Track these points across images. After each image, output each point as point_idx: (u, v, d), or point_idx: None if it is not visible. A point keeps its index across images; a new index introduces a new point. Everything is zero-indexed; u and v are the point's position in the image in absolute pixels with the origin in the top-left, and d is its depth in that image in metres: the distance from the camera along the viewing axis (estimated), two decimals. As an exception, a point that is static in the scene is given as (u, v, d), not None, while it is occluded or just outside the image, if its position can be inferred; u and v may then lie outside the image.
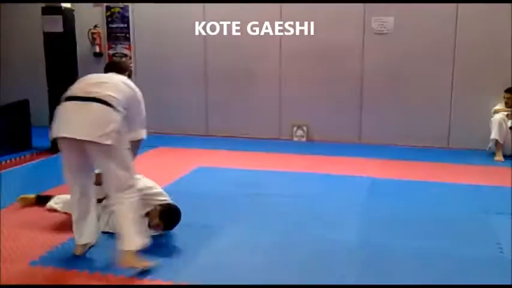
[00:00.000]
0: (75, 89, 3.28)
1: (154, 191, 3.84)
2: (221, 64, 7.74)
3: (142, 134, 3.70)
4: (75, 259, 3.38)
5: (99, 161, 3.23)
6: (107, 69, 3.68)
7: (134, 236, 3.19)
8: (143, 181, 3.78)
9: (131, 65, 8.04)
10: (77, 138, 3.09)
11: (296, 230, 3.98)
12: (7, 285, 2.90)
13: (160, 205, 3.70)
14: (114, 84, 3.33)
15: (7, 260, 3.33)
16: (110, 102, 3.17)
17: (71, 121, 3.15)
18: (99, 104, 3.14)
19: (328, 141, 7.38)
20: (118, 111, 3.20)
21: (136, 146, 3.60)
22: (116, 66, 3.79)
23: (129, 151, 3.33)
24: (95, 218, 3.50)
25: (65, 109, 3.19)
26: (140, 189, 3.47)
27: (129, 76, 3.76)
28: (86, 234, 3.44)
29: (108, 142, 3.09)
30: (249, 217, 4.29)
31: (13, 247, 3.55)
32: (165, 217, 3.64)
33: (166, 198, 3.84)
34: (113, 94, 3.23)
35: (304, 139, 7.56)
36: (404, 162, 6.31)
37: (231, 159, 6.42)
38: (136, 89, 3.52)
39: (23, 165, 5.98)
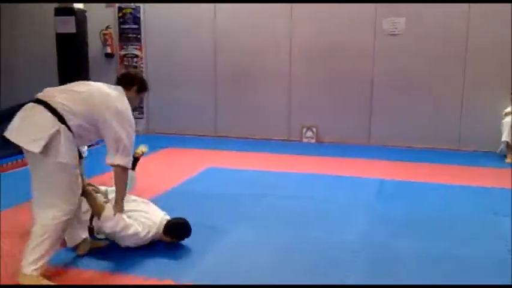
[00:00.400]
0: (45, 91, 3.13)
1: (146, 214, 3.63)
2: (231, 65, 7.77)
3: (118, 160, 3.19)
4: (79, 258, 3.41)
5: (30, 170, 3.04)
6: (117, 81, 3.48)
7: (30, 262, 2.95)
8: (136, 204, 3.69)
9: (142, 66, 8.11)
10: (11, 139, 2.97)
11: (304, 231, 3.98)
12: (7, 285, 2.93)
13: (167, 222, 3.63)
14: (84, 95, 3.09)
15: (9, 256, 3.36)
16: (57, 109, 2.95)
17: (15, 122, 3.03)
18: (43, 109, 2.95)
19: (337, 143, 7.37)
20: (65, 121, 2.95)
21: (118, 176, 3.27)
22: (123, 79, 3.49)
23: (72, 179, 3.01)
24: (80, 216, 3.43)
25: (22, 109, 3.07)
26: (132, 210, 3.47)
27: (139, 91, 3.49)
28: (76, 234, 3.41)
29: (34, 149, 2.88)
30: (258, 218, 4.30)
31: (18, 246, 3.58)
32: (171, 232, 3.59)
33: (158, 218, 3.64)
34: (66, 103, 2.99)
35: (313, 140, 7.56)
36: (414, 164, 6.28)
37: (241, 160, 6.44)
38: (116, 107, 3.17)
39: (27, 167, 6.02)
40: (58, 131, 2.93)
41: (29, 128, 2.96)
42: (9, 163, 5.98)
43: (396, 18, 7.00)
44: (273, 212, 4.46)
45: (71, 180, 3.03)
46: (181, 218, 3.70)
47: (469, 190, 5.12)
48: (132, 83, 3.45)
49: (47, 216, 2.98)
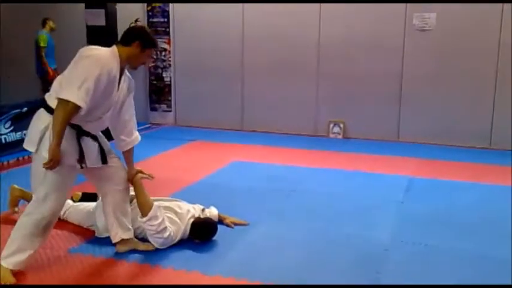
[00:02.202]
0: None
1: (175, 218, 3.60)
2: (258, 59, 7.74)
3: (61, 94, 2.86)
4: (113, 248, 3.44)
5: None
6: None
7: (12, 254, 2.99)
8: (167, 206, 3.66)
9: (170, 59, 8.16)
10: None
11: (330, 228, 3.95)
12: (7, 285, 2.98)
13: (192, 223, 3.60)
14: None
15: (47, 247, 3.43)
16: (48, 102, 2.97)
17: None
18: (42, 110, 3.03)
19: (365, 139, 7.29)
20: (48, 105, 2.94)
21: (57, 109, 2.87)
22: (122, 36, 3.21)
23: (57, 177, 2.95)
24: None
25: None
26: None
27: (144, 46, 3.12)
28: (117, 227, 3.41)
29: (30, 148, 2.99)
30: (283, 213, 4.28)
31: (53, 235, 3.66)
32: (196, 236, 3.58)
33: (185, 220, 3.61)
34: (56, 84, 3.00)
35: (340, 136, 7.49)
36: (444, 162, 6.17)
37: (266, 155, 6.42)
38: (79, 53, 2.99)
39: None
40: (46, 127, 2.94)
41: (30, 132, 3.05)
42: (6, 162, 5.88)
43: (427, 13, 6.87)
44: (300, 207, 4.44)
45: (56, 178, 2.97)
46: (206, 219, 3.70)
47: (501, 189, 5.00)
48: (133, 38, 3.11)
49: (26, 210, 3.05)
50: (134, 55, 3.13)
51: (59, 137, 2.86)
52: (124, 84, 3.19)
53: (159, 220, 3.37)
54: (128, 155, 3.45)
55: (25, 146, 3.06)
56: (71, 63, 2.99)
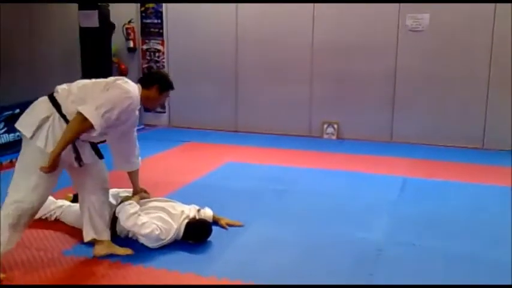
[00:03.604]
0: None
1: (166, 217, 3.60)
2: (252, 60, 7.75)
3: (82, 109, 2.96)
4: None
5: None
6: (138, 80, 3.48)
7: None
8: (157, 206, 3.68)
9: (163, 60, 8.15)
10: (15, 126, 3.11)
11: (324, 228, 3.96)
12: (7, 285, 2.97)
13: (186, 225, 3.59)
14: (89, 82, 3.21)
15: (41, 248, 3.41)
16: (56, 97, 3.06)
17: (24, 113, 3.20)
18: (45, 99, 3.09)
19: (359, 140, 7.31)
20: (61, 109, 3.01)
21: (73, 121, 2.97)
22: (143, 78, 3.50)
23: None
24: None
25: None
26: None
27: (162, 89, 3.39)
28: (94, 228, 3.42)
29: (26, 133, 2.98)
30: (277, 214, 4.29)
31: (47, 236, 3.65)
32: (190, 234, 3.56)
33: (179, 221, 3.61)
34: (67, 87, 3.13)
35: (334, 137, 7.50)
36: (437, 162, 6.19)
37: (260, 156, 6.43)
38: (107, 83, 3.16)
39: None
40: (48, 117, 2.99)
41: (27, 115, 3.07)
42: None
43: (420, 14, 6.90)
44: (294, 208, 4.44)
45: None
46: (200, 220, 3.70)
47: (494, 190, 5.03)
48: (153, 82, 3.38)
49: (11, 198, 2.99)
50: (152, 97, 3.38)
51: (65, 145, 2.95)
52: (135, 116, 3.37)
53: (133, 218, 3.41)
54: (133, 175, 3.68)
55: (18, 126, 3.05)
56: (101, 81, 3.16)
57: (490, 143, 6.85)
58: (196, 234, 3.58)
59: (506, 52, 6.61)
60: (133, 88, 3.22)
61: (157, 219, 3.50)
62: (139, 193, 3.72)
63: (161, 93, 3.40)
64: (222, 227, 3.86)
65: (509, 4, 6.48)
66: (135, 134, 3.58)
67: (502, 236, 3.84)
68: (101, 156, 3.31)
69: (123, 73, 7.78)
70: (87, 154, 3.20)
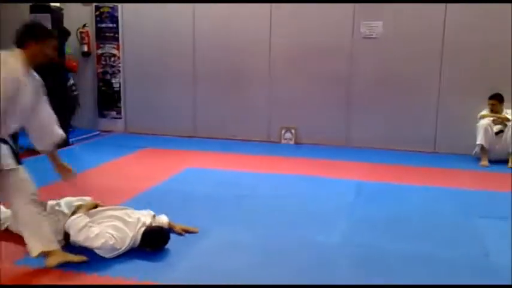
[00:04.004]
0: None
1: (121, 226, 3.54)
2: (210, 65, 7.74)
3: None
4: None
5: None
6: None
7: None
8: (111, 215, 3.61)
9: (119, 65, 8.02)
10: None
11: (282, 232, 3.99)
12: (7, 286, 2.87)
13: (143, 232, 3.53)
14: None
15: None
16: None
17: None
18: None
19: (316, 144, 7.41)
20: None
21: None
22: (15, 39, 3.16)
23: None
24: None
25: None
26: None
27: (38, 39, 3.09)
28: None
29: None
30: (236, 219, 4.29)
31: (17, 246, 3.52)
32: (147, 242, 3.50)
33: (135, 228, 3.54)
34: None
35: (292, 142, 7.58)
36: (391, 166, 6.35)
37: (219, 161, 6.41)
38: None
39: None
40: None
41: None
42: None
43: (374, 21, 7.08)
44: (253, 213, 4.45)
45: None
46: (157, 227, 3.64)
47: (445, 192, 5.20)
48: (25, 38, 3.13)
49: None
50: (36, 53, 3.13)
51: None
52: (30, 87, 3.13)
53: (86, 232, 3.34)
54: (52, 155, 3.52)
55: None
56: None
57: (441, 147, 7.09)
58: (153, 242, 3.52)
59: (456, 57, 6.87)
60: (3, 55, 2.98)
61: (111, 228, 3.43)
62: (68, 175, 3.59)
63: (40, 43, 3.13)
64: (178, 233, 3.82)
65: (459, 11, 6.74)
66: (49, 114, 3.38)
67: (454, 236, 3.97)
68: (19, 162, 3.14)
69: (73, 70, 7.62)
70: (6, 158, 3.05)
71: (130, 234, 3.47)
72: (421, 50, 7.00)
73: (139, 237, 3.50)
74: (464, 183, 5.53)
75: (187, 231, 3.87)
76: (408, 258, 3.52)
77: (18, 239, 3.63)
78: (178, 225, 3.89)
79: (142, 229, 3.54)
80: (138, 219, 3.61)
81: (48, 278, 3.12)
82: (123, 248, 3.41)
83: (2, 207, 3.69)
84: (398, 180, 5.59)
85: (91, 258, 3.33)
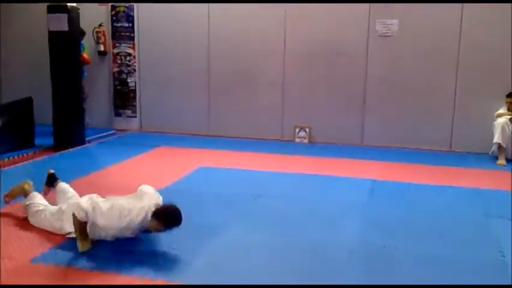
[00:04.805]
0: None
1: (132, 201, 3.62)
2: (225, 64, 7.75)
3: None
4: (76, 257, 3.39)
5: None
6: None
7: None
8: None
9: (134, 64, 8.08)
10: None
11: (298, 231, 3.98)
12: (7, 285, 2.91)
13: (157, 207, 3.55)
14: None
15: (7, 257, 3.33)
16: None
17: None
18: None
19: (330, 143, 7.38)
20: None
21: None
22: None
23: None
24: None
25: None
26: None
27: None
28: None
29: None
30: (250, 218, 4.29)
31: (14, 244, 3.57)
32: (160, 216, 3.49)
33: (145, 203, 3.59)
34: None
35: (306, 141, 7.56)
36: (406, 164, 6.30)
37: (233, 160, 6.42)
38: None
39: (26, 162, 6.00)
40: None
41: None
42: (7, 159, 5.99)
43: (389, 19, 7.03)
44: (266, 212, 4.45)
45: None
46: (166, 205, 3.60)
47: (461, 191, 5.15)
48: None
49: None
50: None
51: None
52: None
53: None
54: None
55: None
56: None
57: (458, 146, 7.01)
58: (169, 218, 3.49)
59: (473, 55, 6.79)
60: None
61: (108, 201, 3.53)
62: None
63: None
64: None
65: (476, 9, 6.66)
66: None
67: (470, 236, 3.93)
68: None
69: (86, 62, 7.62)
70: None
71: (139, 206, 3.47)
72: (437, 47, 6.93)
73: (150, 214, 3.47)
74: (481, 183, 5.46)
75: None
76: (422, 259, 3.49)
77: (34, 234, 3.69)
78: None
79: (153, 209, 3.51)
80: (142, 207, 3.54)
81: (65, 275, 3.16)
82: (130, 217, 3.41)
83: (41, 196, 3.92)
84: (414, 180, 5.54)
85: (105, 258, 3.37)
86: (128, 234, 3.51)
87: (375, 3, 7.01)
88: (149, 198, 3.61)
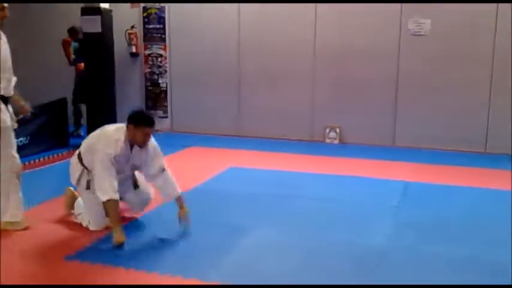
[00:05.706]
0: None
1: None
2: (254, 64, 7.76)
3: None
4: (111, 255, 3.45)
5: None
6: None
7: None
8: None
9: (166, 65, 8.18)
10: None
11: (326, 233, 3.95)
12: (7, 285, 2.97)
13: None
14: None
15: (42, 256, 3.41)
16: None
17: None
18: None
19: (361, 144, 7.31)
20: None
21: None
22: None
23: None
24: None
25: None
26: None
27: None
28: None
29: None
30: (279, 219, 4.28)
31: (49, 242, 3.65)
32: (131, 120, 3.79)
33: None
34: None
35: (336, 141, 7.50)
36: (439, 166, 6.19)
37: (263, 160, 6.43)
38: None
39: (60, 162, 6.12)
40: None
41: None
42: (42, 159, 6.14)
43: (422, 18, 6.91)
44: (296, 213, 4.43)
45: None
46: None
47: (496, 194, 5.02)
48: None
49: None
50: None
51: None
52: None
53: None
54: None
55: None
56: None
57: (493, 147, 6.85)
58: (137, 113, 3.83)
59: (508, 57, 6.62)
60: None
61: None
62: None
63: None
64: (179, 216, 3.89)
65: (509, 10, 6.50)
66: None
67: (503, 239, 3.83)
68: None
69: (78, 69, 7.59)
70: None
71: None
72: (471, 46, 6.78)
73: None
74: (516, 185, 5.32)
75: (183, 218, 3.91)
76: (455, 262, 3.43)
77: (68, 233, 3.77)
78: (183, 210, 3.93)
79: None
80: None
81: (99, 273, 3.22)
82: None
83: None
84: (447, 181, 5.43)
85: (136, 256, 3.41)
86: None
87: (407, 3, 6.91)
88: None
